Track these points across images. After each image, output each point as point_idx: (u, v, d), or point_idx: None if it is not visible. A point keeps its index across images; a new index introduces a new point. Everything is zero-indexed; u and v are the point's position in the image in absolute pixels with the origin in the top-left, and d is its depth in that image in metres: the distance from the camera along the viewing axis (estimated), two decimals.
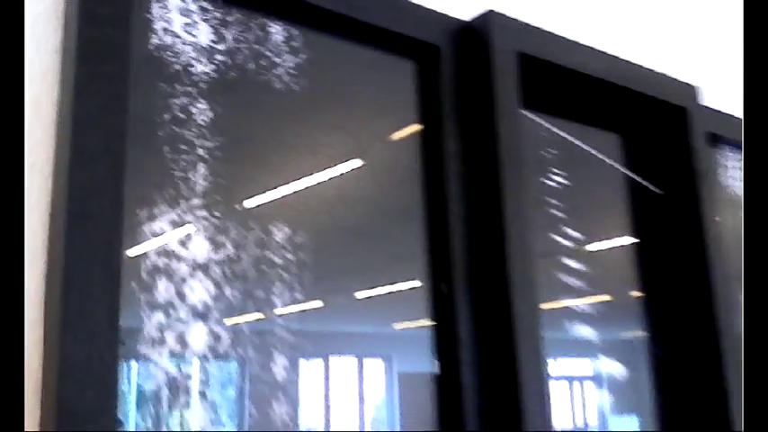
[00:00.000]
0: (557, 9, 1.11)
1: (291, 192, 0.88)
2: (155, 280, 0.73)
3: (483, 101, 0.93)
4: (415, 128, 0.94)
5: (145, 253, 0.71)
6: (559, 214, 1.05)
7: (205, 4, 0.74)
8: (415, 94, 0.93)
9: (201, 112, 0.72)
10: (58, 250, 0.60)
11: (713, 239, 1.17)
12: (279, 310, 0.96)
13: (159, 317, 0.73)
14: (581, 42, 1.08)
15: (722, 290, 1.15)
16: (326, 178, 0.89)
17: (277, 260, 0.89)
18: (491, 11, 0.93)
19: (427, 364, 1.10)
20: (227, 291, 0.82)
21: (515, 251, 0.89)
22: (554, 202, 1.06)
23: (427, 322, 0.98)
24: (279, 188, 0.87)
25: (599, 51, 1.10)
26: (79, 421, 0.60)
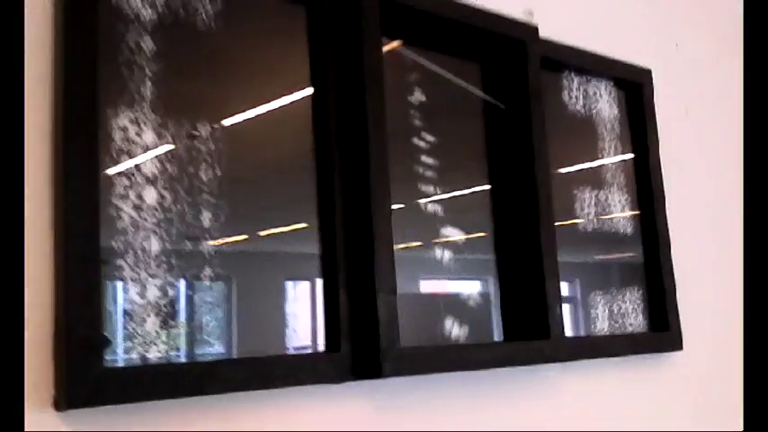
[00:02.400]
0: None
1: (267, 111, 1.13)
2: (137, 200, 1.00)
3: (353, 37, 1.30)
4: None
5: (124, 172, 0.94)
6: (419, 123, 1.45)
7: None
8: (305, 34, 1.30)
9: (148, 45, 1.09)
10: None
11: (539, 142, 1.58)
12: (264, 232, 1.14)
13: (143, 237, 0.96)
14: None
15: (544, 183, 1.57)
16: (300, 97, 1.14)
17: (259, 181, 1.09)
18: None
19: (414, 285, 1.47)
20: (211, 211, 1.04)
21: (374, 150, 1.29)
22: (417, 114, 1.46)
23: (410, 244, 1.37)
24: (257, 107, 1.13)
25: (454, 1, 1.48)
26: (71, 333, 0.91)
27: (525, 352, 1.49)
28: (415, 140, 1.45)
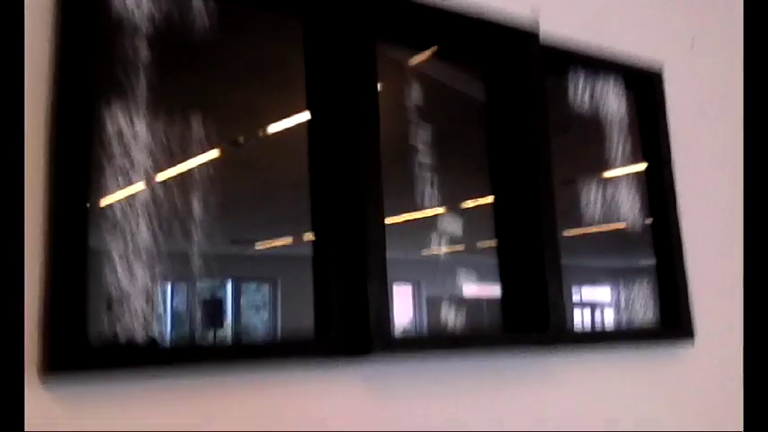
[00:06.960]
0: None
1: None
2: (185, 203, 1.08)
3: (348, 44, 1.36)
4: None
5: (175, 175, 1.02)
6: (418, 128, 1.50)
7: None
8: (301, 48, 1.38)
9: (143, 82, 1.17)
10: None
11: (543, 139, 1.60)
12: (308, 235, 1.19)
13: (192, 240, 1.04)
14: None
15: (546, 184, 1.59)
16: None
17: (301, 185, 1.15)
18: None
19: (454, 288, 1.53)
20: (257, 214, 1.11)
21: (367, 157, 1.35)
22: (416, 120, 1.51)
23: (450, 249, 1.45)
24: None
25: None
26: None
27: (521, 339, 1.52)
28: (413, 141, 1.50)
